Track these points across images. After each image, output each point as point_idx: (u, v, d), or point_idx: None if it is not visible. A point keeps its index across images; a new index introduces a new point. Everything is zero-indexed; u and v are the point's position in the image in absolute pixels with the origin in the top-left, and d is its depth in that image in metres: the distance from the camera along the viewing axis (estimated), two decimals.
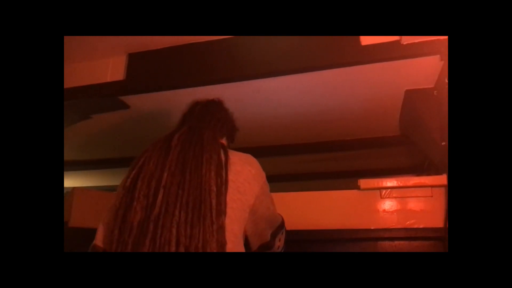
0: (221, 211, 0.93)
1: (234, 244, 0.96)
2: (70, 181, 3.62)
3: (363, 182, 1.66)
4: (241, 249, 1.01)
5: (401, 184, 1.64)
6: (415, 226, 1.56)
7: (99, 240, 1.03)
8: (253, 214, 1.06)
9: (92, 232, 1.07)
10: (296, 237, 1.59)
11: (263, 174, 1.13)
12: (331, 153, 2.82)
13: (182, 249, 0.87)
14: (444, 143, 1.66)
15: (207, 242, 0.88)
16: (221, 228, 0.92)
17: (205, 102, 1.30)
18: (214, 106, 1.30)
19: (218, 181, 0.96)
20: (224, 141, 1.23)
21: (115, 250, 0.92)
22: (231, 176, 1.00)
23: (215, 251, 0.88)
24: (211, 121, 1.20)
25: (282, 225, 1.26)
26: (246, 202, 1.03)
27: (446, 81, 1.61)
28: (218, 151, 1.03)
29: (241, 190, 1.02)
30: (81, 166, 3.16)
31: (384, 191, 1.65)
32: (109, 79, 1.90)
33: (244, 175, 1.04)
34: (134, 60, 1.89)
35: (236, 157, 1.07)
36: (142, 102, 2.03)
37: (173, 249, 0.87)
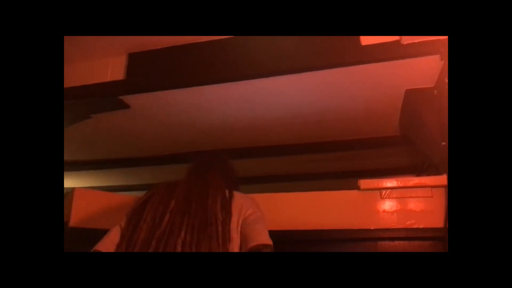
0: (226, 239, 0.99)
1: None
2: (70, 181, 3.62)
3: (363, 182, 1.66)
4: None
5: (401, 185, 1.64)
6: (415, 226, 1.56)
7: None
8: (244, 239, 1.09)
9: (92, 232, 1.08)
10: (296, 237, 1.59)
11: (260, 208, 1.17)
12: (331, 153, 2.82)
13: None
14: (444, 143, 1.66)
15: None
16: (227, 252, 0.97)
17: (208, 156, 1.40)
18: (220, 160, 1.38)
19: (223, 212, 1.04)
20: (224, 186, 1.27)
21: None
22: (233, 209, 1.07)
23: None
24: (213, 167, 1.29)
25: None
26: (241, 224, 1.08)
27: (446, 81, 1.60)
28: (223, 189, 1.12)
29: (241, 216, 1.07)
30: (81, 166, 3.16)
31: (384, 191, 1.65)
32: (109, 79, 1.90)
33: (244, 207, 1.10)
34: (134, 60, 1.90)
35: (238, 194, 1.14)
36: (142, 102, 2.04)
37: None
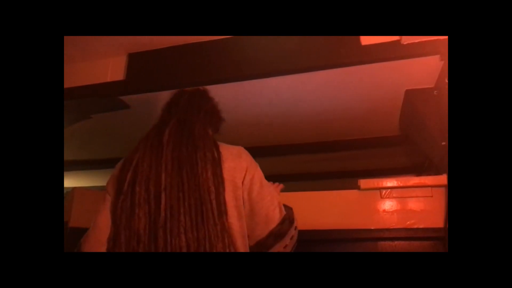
0: (222, 212, 0.94)
1: (242, 241, 0.98)
2: (70, 181, 3.62)
3: (363, 182, 1.65)
4: (247, 248, 1.01)
5: (401, 184, 1.64)
6: (415, 226, 1.56)
7: (95, 246, 1.01)
8: (250, 209, 1.04)
9: None
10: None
11: (255, 165, 1.11)
12: (331, 153, 2.83)
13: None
14: (444, 143, 1.66)
15: (213, 244, 0.90)
16: (224, 228, 0.93)
17: (190, 92, 1.27)
18: (200, 97, 1.26)
19: (215, 181, 0.97)
20: (210, 131, 1.21)
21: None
22: (225, 174, 1.00)
23: (221, 251, 0.90)
24: (199, 113, 1.17)
25: (284, 227, 1.09)
26: (243, 196, 1.03)
27: (446, 81, 1.61)
28: (211, 148, 1.02)
29: (238, 186, 1.01)
30: (81, 166, 3.16)
31: (384, 191, 1.65)
32: (109, 79, 1.90)
33: (238, 171, 1.03)
34: (134, 60, 1.90)
35: (227, 152, 1.06)
36: (142, 102, 2.03)
37: None
